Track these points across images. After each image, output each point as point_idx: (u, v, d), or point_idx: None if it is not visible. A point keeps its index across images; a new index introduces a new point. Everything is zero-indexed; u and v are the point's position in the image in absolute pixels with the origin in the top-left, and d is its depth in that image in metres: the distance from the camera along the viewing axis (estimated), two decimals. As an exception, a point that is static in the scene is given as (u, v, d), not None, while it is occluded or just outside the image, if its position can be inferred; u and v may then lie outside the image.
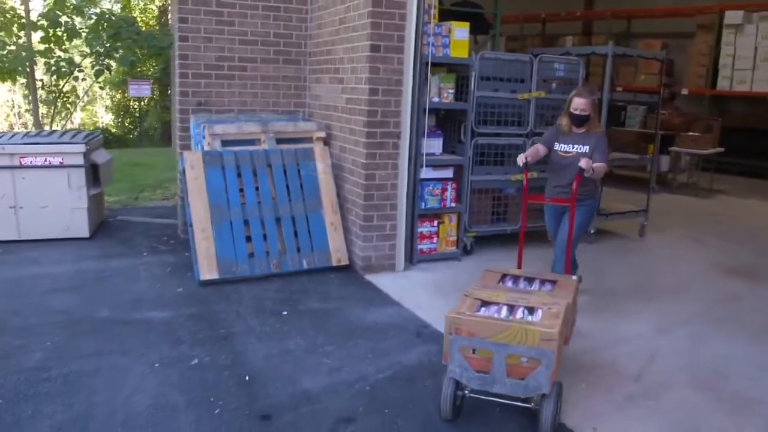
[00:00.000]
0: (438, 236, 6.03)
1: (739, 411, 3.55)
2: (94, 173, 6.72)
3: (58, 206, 6.46)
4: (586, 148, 4.59)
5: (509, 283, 3.83)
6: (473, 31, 6.36)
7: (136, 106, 21.24)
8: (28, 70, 17.57)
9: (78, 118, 20.15)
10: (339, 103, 5.99)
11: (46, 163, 6.36)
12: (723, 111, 13.50)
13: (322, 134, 6.14)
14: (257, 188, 5.60)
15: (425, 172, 5.82)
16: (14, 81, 19.80)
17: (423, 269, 5.82)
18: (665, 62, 7.88)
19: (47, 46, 17.34)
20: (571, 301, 3.57)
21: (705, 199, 10.42)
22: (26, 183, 6.35)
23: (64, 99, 20.16)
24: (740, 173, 12.50)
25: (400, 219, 5.70)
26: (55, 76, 17.96)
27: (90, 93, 21.42)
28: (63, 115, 19.30)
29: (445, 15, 6.12)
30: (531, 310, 3.34)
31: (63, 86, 19.10)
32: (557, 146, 4.73)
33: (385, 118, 5.48)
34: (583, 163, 4.29)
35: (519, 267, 4.44)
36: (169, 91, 19.51)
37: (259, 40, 6.57)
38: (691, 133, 11.47)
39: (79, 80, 19.83)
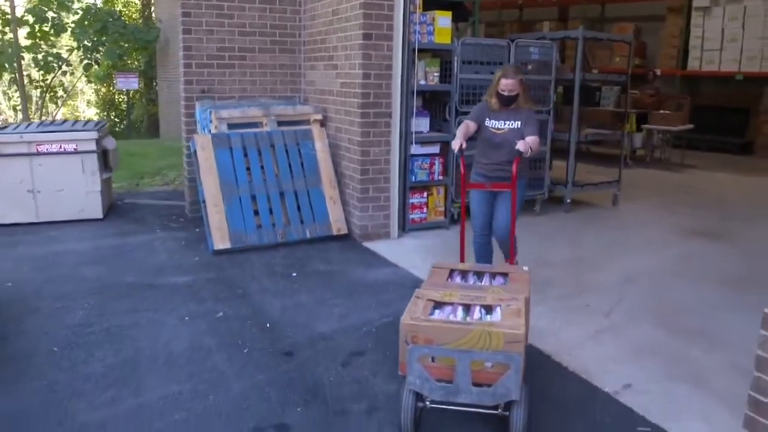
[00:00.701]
0: (427, 206, 6.61)
1: (690, 338, 4.16)
2: (104, 159, 7.20)
3: (73, 190, 6.94)
4: (518, 124, 4.51)
5: (458, 279, 3.64)
6: (454, 19, 6.90)
7: (122, 100, 21.55)
8: (15, 65, 17.94)
9: (59, 114, 20.43)
10: (334, 88, 6.53)
11: (61, 149, 6.83)
12: (694, 90, 14.17)
13: (319, 116, 6.68)
14: (262, 167, 6.14)
15: (414, 149, 6.38)
16: (0, 76, 20.11)
17: (415, 236, 6.40)
18: (633, 44, 8.46)
19: (33, 41, 17.70)
20: (528, 294, 3.37)
21: (676, 172, 11.07)
22: (43, 169, 6.82)
23: (52, 93, 20.47)
24: (710, 149, 13.17)
25: (393, 191, 6.27)
26: (42, 71, 18.37)
27: (71, 88, 21.70)
28: (44, 110, 19.58)
29: (428, 4, 6.66)
30: (488, 309, 3.15)
31: (51, 81, 19.46)
32: (488, 122, 4.59)
33: (378, 99, 6.03)
34: (520, 145, 4.19)
35: (462, 260, 4.38)
36: (155, 84, 19.90)
37: (257, 31, 7.08)
38: (662, 111, 12.14)
39: (67, 74, 20.20)
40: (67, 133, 6.87)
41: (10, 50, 17.25)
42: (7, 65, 17.82)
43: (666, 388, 3.52)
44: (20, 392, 3.41)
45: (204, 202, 5.87)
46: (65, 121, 7.93)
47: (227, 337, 4.10)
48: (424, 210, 6.60)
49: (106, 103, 22.66)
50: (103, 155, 7.19)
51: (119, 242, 6.24)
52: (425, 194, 6.59)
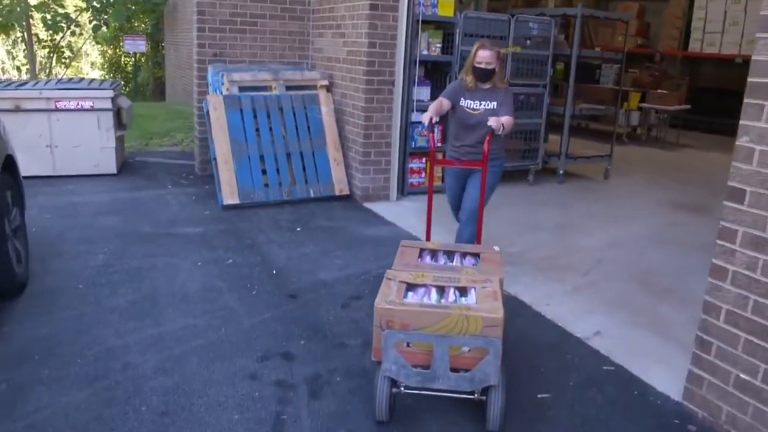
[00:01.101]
0: (426, 172, 6.96)
1: (660, 296, 4.54)
2: (118, 117, 7.54)
3: (89, 145, 7.29)
4: (494, 104, 4.31)
5: (428, 259, 3.49)
6: (458, -8, 7.20)
7: (128, 62, 21.74)
8: (24, 24, 18.16)
9: (65, 75, 20.61)
10: (340, 55, 6.84)
11: (79, 106, 7.16)
12: (694, 72, 14.42)
13: (326, 82, 7.00)
14: (271, 128, 6.48)
15: (415, 116, 6.71)
16: (8, 34, 20.32)
17: (413, 200, 6.76)
18: (629, 24, 8.72)
19: (43, 0, 17.87)
20: (503, 275, 3.24)
21: (670, 151, 11.39)
22: (60, 124, 7.15)
23: (59, 54, 20.68)
24: (707, 130, 13.45)
25: (393, 156, 6.62)
26: (51, 31, 18.58)
27: (75, 50, 21.89)
28: (50, 71, 19.81)
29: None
30: (463, 291, 3.02)
31: (59, 41, 19.67)
32: (463, 102, 4.38)
33: (382, 68, 6.35)
34: (492, 122, 4.02)
35: (428, 239, 4.30)
36: (162, 48, 20.10)
37: (268, -3, 7.38)
38: (659, 91, 12.41)
39: (76, 35, 20.40)
40: (85, 90, 7.20)
41: (19, 9, 17.45)
42: (16, 24, 18.04)
43: (631, 335, 3.91)
44: (53, 321, 3.80)
45: (215, 159, 6.22)
46: (82, 79, 8.24)
47: (237, 281, 4.49)
48: (422, 175, 6.96)
49: (112, 66, 22.85)
50: (117, 113, 7.52)
51: (133, 195, 6.60)
52: (424, 160, 6.94)
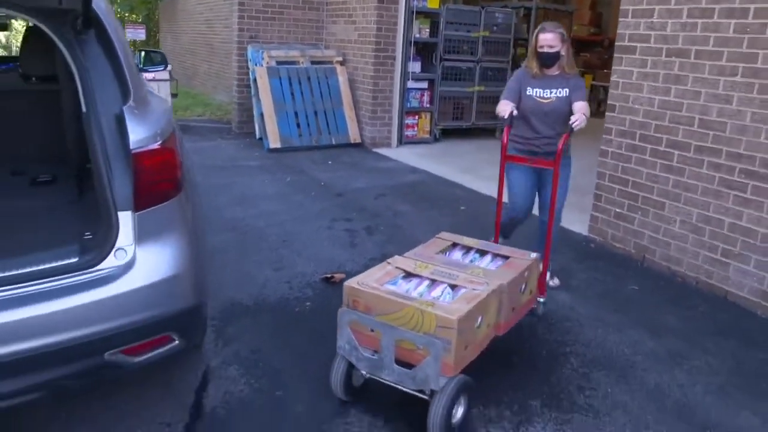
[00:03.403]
0: (418, 126, 9.09)
1: (580, 177, 6.71)
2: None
3: (151, 109, 9.24)
4: (566, 92, 3.91)
5: (456, 254, 3.42)
6: (442, -11, 9.30)
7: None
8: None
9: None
10: (352, 37, 8.92)
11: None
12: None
13: (340, 58, 9.08)
14: (302, 92, 8.54)
15: (410, 84, 8.82)
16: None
17: (408, 147, 8.88)
18: (574, 14, 10.91)
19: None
20: (511, 281, 3.04)
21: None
22: (129, 92, 9.09)
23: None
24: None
25: (394, 113, 8.73)
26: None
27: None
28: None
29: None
30: (454, 289, 2.90)
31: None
32: (531, 91, 3.94)
33: (386, 46, 8.45)
34: (577, 120, 3.65)
35: (496, 240, 4.03)
36: (157, 36, 21.89)
37: (292, -8, 9.43)
38: (605, 71, 14.70)
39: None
40: (149, 65, 9.15)
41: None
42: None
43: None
44: (188, 204, 5.84)
45: (261, 114, 8.27)
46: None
47: (298, 188, 6.56)
48: (415, 129, 9.09)
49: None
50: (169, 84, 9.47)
51: (196, 145, 8.61)
52: (416, 117, 9.07)
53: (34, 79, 3.61)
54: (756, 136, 4.08)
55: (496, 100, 9.43)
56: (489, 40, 9.40)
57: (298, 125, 8.43)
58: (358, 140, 8.76)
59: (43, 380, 2.19)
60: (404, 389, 2.68)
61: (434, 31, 8.98)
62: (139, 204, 2.34)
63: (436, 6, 8.86)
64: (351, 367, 2.81)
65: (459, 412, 2.70)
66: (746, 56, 4.09)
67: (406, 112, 8.93)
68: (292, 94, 8.50)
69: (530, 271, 3.33)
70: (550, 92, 3.96)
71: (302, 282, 4.22)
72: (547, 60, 3.91)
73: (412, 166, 7.78)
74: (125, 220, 2.32)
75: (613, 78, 5.01)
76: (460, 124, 9.56)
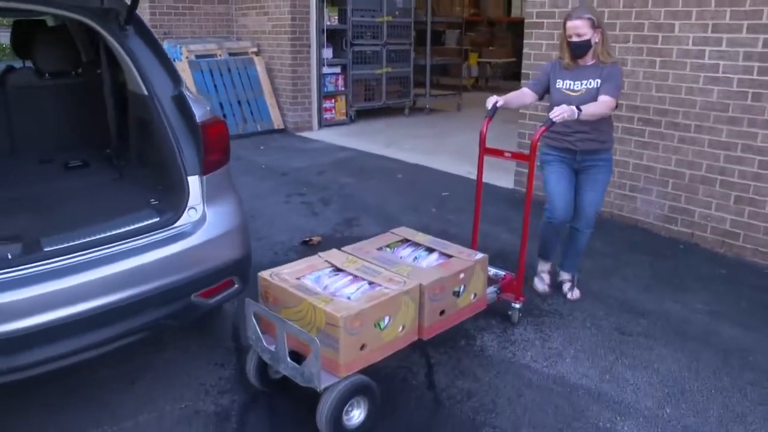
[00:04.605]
0: (335, 109, 9.66)
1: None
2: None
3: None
4: (597, 83, 3.52)
5: (401, 251, 3.28)
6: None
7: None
8: None
9: None
10: (266, 28, 9.34)
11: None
12: (518, 33, 17.94)
13: (255, 49, 9.47)
14: (224, 84, 8.89)
15: (325, 69, 9.36)
16: None
17: (329, 129, 9.45)
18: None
19: None
20: (435, 281, 2.88)
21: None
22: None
23: None
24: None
25: (313, 98, 9.26)
26: None
27: None
28: None
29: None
30: (370, 286, 2.81)
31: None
32: (561, 83, 3.62)
33: (301, 35, 8.94)
34: (557, 113, 3.29)
35: (473, 246, 3.82)
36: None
37: (200, -13, 9.70)
38: (491, 48, 15.80)
39: None
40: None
41: None
42: None
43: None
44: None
45: (188, 107, 8.55)
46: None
47: (243, 171, 6.96)
48: (333, 112, 9.65)
49: None
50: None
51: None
52: (333, 101, 9.63)
53: (47, 75, 3.91)
54: (648, 90, 4.99)
55: (402, 80, 10.12)
56: (392, 24, 10.07)
57: (224, 115, 8.78)
58: (282, 126, 9.22)
59: (148, 320, 2.65)
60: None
61: (342, 18, 9.53)
62: (204, 169, 2.83)
63: (343, -7, 9.45)
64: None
65: (355, 414, 2.65)
66: (635, 26, 4.99)
67: (323, 96, 9.47)
68: (215, 85, 8.83)
69: (469, 273, 3.08)
70: (581, 84, 3.57)
71: (284, 248, 4.75)
72: (577, 50, 3.53)
73: (338, 145, 8.36)
74: (194, 183, 2.81)
75: (525, 50, 5.81)
76: (373, 105, 10.21)
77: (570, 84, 3.59)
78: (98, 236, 2.62)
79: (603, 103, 3.43)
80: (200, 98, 3.09)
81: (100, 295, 2.49)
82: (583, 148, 3.64)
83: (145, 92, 2.92)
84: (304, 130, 9.23)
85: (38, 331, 2.33)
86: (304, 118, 9.24)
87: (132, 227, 2.69)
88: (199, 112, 2.88)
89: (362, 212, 5.58)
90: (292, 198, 5.99)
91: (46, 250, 2.49)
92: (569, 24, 3.50)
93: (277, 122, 9.19)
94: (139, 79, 2.92)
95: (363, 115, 10.19)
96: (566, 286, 3.97)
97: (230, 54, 9.28)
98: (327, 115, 9.60)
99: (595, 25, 3.47)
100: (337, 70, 9.61)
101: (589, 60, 3.57)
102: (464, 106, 11.66)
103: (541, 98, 3.79)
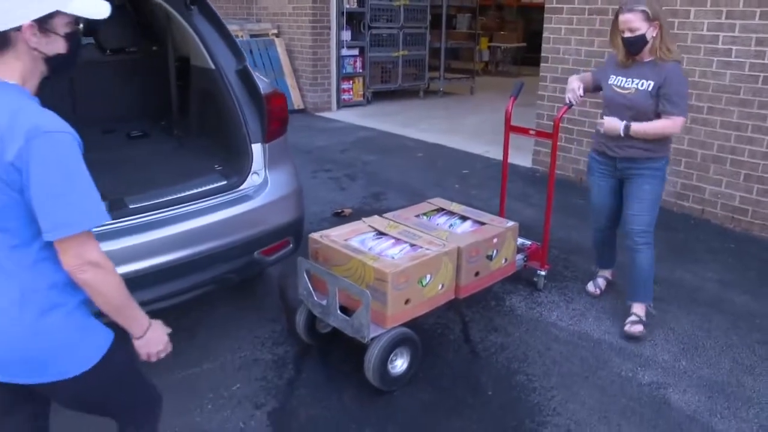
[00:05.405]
0: (353, 91, 9.91)
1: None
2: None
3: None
4: (650, 84, 3.16)
5: (437, 219, 3.49)
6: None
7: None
8: None
9: None
10: (286, 11, 9.56)
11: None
12: (528, 18, 18.12)
13: (275, 31, 9.71)
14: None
15: (344, 51, 9.60)
16: None
17: (347, 110, 9.70)
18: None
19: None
20: (470, 245, 3.08)
21: (512, 79, 14.96)
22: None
23: None
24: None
25: (332, 79, 9.51)
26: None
27: None
28: None
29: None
30: (412, 248, 3.02)
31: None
32: (612, 79, 3.32)
33: (321, 17, 9.17)
34: (606, 123, 3.23)
35: (501, 213, 3.97)
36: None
37: (222, -30, 9.91)
38: (502, 33, 15.99)
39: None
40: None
41: None
42: None
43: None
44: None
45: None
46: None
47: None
48: (351, 93, 9.91)
49: None
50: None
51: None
52: (351, 82, 9.88)
53: (108, 51, 4.18)
54: (664, 73, 5.24)
55: (418, 64, 10.35)
56: (409, 8, 10.29)
57: (246, 95, 9.02)
58: (302, 106, 9.48)
59: (217, 274, 2.94)
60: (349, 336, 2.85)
61: (361, 1, 9.76)
62: (267, 137, 3.11)
63: (362, -22, 9.67)
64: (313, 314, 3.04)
65: (399, 363, 2.88)
66: (653, 11, 5.23)
67: (342, 77, 9.71)
68: (238, 66, 9.07)
69: (502, 238, 3.31)
70: (632, 82, 3.22)
71: (318, 218, 5.03)
72: (632, 46, 3.15)
73: (357, 125, 8.62)
74: (257, 150, 3.09)
75: (545, 34, 6.07)
76: (389, 87, 10.46)
77: (621, 81, 3.27)
78: (174, 196, 2.90)
79: (663, 127, 3.16)
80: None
81: (177, 249, 2.77)
82: (623, 155, 3.30)
83: (212, 66, 3.18)
84: (324, 111, 9.49)
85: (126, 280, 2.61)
86: (323, 99, 9.49)
87: (202, 189, 2.97)
88: (262, 85, 3.15)
89: (387, 187, 5.86)
90: (318, 174, 6.26)
91: (130, 207, 2.77)
92: (621, 18, 3.13)
93: (297, 103, 9.44)
94: (206, 54, 3.19)
95: (378, 96, 10.44)
96: (629, 318, 3.44)
97: (251, 36, 9.51)
98: (345, 96, 9.85)
99: (651, 18, 3.07)
100: (356, 52, 9.84)
101: (646, 56, 3.19)
102: (477, 90, 11.89)
103: (600, 89, 3.46)
